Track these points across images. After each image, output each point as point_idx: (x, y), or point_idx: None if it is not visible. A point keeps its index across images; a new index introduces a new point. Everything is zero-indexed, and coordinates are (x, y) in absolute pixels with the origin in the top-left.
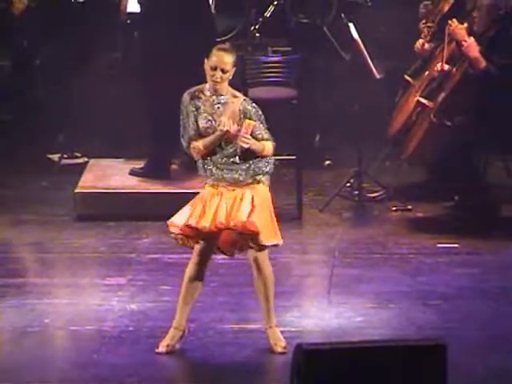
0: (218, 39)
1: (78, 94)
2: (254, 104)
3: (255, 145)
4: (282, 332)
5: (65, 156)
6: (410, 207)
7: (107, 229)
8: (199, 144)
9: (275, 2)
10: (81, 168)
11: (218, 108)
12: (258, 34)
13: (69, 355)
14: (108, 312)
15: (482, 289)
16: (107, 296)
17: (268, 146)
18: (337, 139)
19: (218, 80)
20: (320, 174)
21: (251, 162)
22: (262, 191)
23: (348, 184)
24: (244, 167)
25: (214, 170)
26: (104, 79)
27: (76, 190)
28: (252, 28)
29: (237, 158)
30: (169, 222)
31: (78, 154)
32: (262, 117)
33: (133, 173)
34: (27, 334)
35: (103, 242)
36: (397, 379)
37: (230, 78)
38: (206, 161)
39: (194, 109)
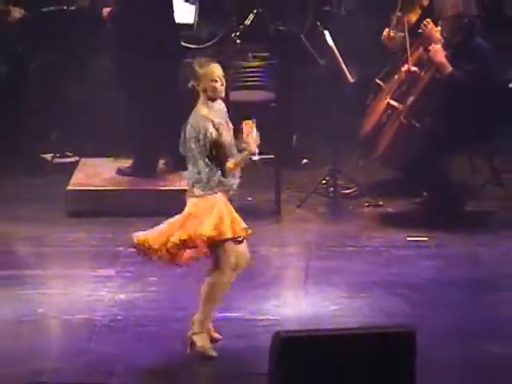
0: (202, 46)
1: (69, 98)
2: None
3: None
4: (261, 320)
5: (57, 155)
6: (381, 203)
7: (97, 224)
8: (231, 165)
9: (255, 11)
10: (72, 167)
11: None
12: (238, 41)
13: (62, 342)
14: (98, 302)
15: (448, 279)
16: (97, 287)
17: None
18: (313, 140)
19: (222, 89)
20: (297, 172)
21: None
22: None
23: (323, 182)
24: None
25: (232, 180)
26: (94, 83)
27: (68, 188)
28: (233, 35)
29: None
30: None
31: (70, 154)
32: None
33: (120, 172)
34: (22, 322)
35: (93, 236)
36: (369, 364)
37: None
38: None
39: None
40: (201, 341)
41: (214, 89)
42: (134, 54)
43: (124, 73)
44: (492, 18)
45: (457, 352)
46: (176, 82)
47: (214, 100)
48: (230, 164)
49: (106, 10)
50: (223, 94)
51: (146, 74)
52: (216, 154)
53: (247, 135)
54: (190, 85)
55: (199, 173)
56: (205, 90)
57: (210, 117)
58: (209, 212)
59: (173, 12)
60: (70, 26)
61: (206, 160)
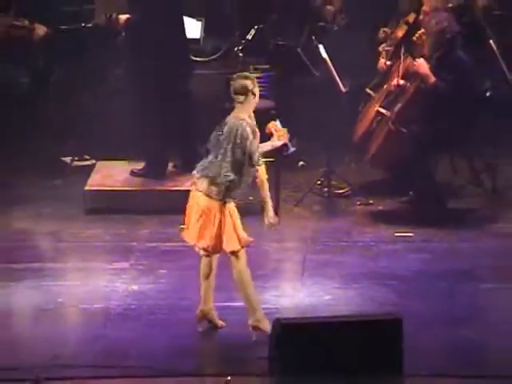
0: (207, 59)
1: (86, 107)
2: None
3: None
4: (262, 309)
5: (76, 159)
6: (371, 202)
7: (112, 221)
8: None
9: (256, 27)
10: (89, 169)
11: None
12: (241, 54)
13: (79, 329)
14: (113, 292)
15: (433, 271)
16: (112, 278)
17: None
18: (309, 144)
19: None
20: (295, 174)
21: None
22: None
23: (318, 182)
24: None
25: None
26: (108, 94)
27: (85, 188)
28: (236, 49)
29: None
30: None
31: (87, 157)
32: None
33: (133, 173)
34: (44, 311)
35: (109, 232)
36: (360, 348)
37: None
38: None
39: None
40: (266, 326)
41: (255, 102)
42: (146, 62)
43: (136, 79)
44: (471, 35)
45: (440, 338)
46: (186, 90)
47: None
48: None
49: (122, 18)
50: None
51: (158, 81)
52: (243, 157)
53: (276, 131)
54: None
55: (223, 173)
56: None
57: (249, 123)
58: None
59: (184, 25)
60: (87, 42)
61: (232, 161)
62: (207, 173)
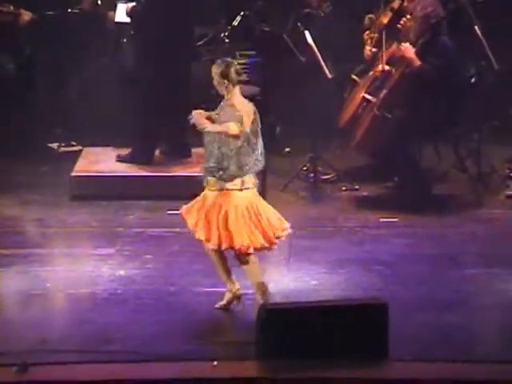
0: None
1: (72, 92)
2: None
3: None
4: (247, 294)
5: (62, 145)
6: (357, 187)
7: (98, 207)
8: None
9: (242, 13)
10: (76, 155)
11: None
12: (227, 40)
13: (67, 314)
14: (99, 277)
15: (416, 256)
16: (98, 264)
17: None
18: (294, 130)
19: None
20: (281, 160)
21: None
22: None
23: (304, 168)
24: None
25: None
26: (95, 80)
27: (72, 174)
28: (222, 35)
29: None
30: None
31: (74, 143)
32: None
33: (120, 159)
34: (32, 296)
35: (95, 218)
36: (346, 332)
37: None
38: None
39: None
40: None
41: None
42: (151, 48)
43: (140, 64)
44: (456, 21)
45: (423, 321)
46: (188, 77)
47: None
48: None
49: (129, 6)
50: None
51: (159, 66)
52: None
53: None
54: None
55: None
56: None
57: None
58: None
59: (189, 13)
60: (73, 28)
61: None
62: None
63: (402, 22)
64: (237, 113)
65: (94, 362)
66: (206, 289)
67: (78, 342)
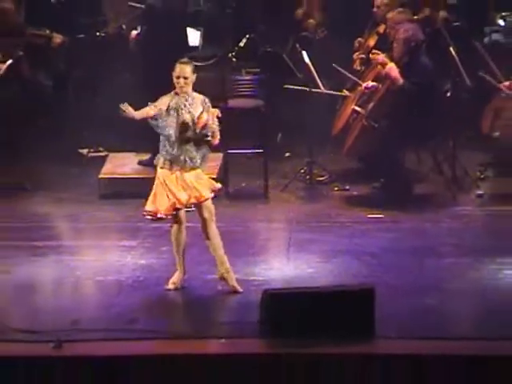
0: (205, 63)
1: (100, 104)
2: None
3: None
4: (252, 280)
5: (91, 150)
6: (347, 187)
7: (123, 205)
8: None
9: (247, 36)
10: (103, 160)
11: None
12: (234, 60)
13: (95, 298)
14: (124, 266)
15: (400, 248)
16: (123, 254)
17: None
18: (293, 137)
19: (183, 85)
20: (281, 163)
21: None
22: None
23: (302, 171)
24: None
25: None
26: (119, 93)
27: (99, 176)
28: (230, 55)
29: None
30: None
31: (101, 149)
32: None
33: (141, 163)
34: (64, 283)
35: (120, 214)
36: (338, 314)
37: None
38: None
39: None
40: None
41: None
42: (154, 66)
43: (147, 80)
44: (434, 43)
45: (407, 305)
46: None
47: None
48: None
49: (133, 33)
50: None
51: (164, 81)
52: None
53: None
54: None
55: None
56: None
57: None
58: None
59: (186, 36)
60: (100, 48)
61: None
62: None
63: (374, 53)
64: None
65: (119, 340)
66: (214, 276)
67: (106, 322)
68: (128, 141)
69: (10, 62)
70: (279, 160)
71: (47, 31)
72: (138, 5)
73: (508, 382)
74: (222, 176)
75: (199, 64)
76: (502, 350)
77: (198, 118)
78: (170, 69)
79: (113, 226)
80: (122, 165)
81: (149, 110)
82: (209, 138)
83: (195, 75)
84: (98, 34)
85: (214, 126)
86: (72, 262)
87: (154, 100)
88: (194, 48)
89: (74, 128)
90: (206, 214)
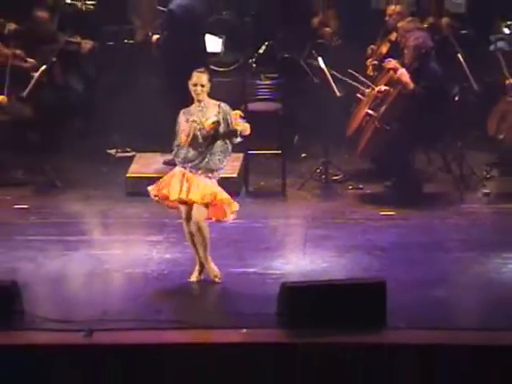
0: (227, 69)
1: (128, 107)
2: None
3: None
4: (270, 274)
5: (119, 151)
6: (361, 186)
7: (149, 202)
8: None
9: (266, 43)
10: (130, 159)
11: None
12: (254, 65)
13: (123, 290)
14: (150, 260)
15: (410, 243)
16: (149, 249)
17: None
18: (310, 139)
19: (199, 92)
20: (298, 163)
21: None
22: None
23: (318, 170)
24: None
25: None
26: (145, 97)
27: (127, 175)
28: (250, 61)
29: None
30: None
31: (128, 150)
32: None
33: (166, 163)
34: (94, 275)
35: (146, 210)
36: (351, 305)
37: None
38: None
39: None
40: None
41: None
42: (174, 70)
43: (170, 84)
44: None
45: (416, 297)
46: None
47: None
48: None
49: (155, 37)
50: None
51: (183, 85)
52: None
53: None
54: None
55: None
56: None
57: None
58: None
59: (204, 41)
60: (128, 54)
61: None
62: None
63: (387, 61)
64: None
65: (145, 329)
66: (235, 269)
67: (133, 312)
68: (154, 141)
69: (44, 67)
70: (296, 160)
71: (78, 38)
72: (163, 8)
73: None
74: (243, 175)
75: (221, 69)
76: (506, 340)
77: (209, 123)
78: (188, 73)
79: (139, 221)
80: (148, 164)
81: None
82: (237, 139)
83: (210, 84)
84: (125, 41)
85: (239, 125)
86: (101, 255)
87: (176, 103)
88: (216, 54)
89: (102, 129)
90: (195, 216)
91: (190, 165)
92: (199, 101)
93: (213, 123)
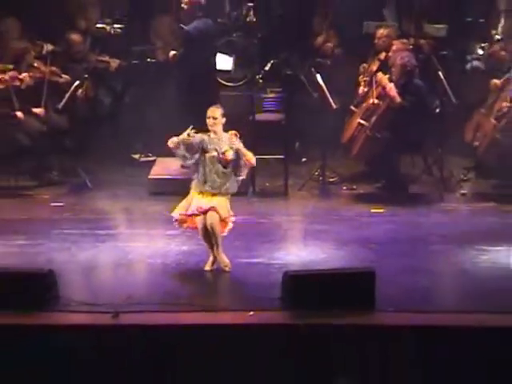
0: (236, 84)
1: (150, 117)
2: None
3: None
4: (274, 264)
5: (142, 155)
6: (354, 187)
7: (168, 200)
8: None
9: (271, 61)
10: (151, 163)
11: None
12: (261, 81)
13: (145, 278)
14: (169, 252)
15: (398, 238)
16: (168, 241)
17: None
18: (309, 145)
19: (212, 124)
20: (299, 167)
21: None
22: None
23: (316, 173)
24: None
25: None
26: (165, 109)
27: (149, 177)
28: (257, 77)
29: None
30: None
31: (150, 155)
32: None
33: (183, 166)
34: (119, 265)
35: (166, 207)
36: (346, 291)
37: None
38: None
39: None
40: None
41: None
42: (190, 84)
43: (184, 96)
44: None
45: (403, 284)
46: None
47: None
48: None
49: (172, 53)
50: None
51: (198, 96)
52: None
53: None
54: None
55: None
56: None
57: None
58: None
59: (215, 59)
60: (151, 71)
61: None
62: None
63: (378, 75)
64: None
65: (165, 312)
66: (243, 259)
67: (154, 296)
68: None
69: (77, 82)
70: (297, 164)
71: (107, 58)
72: (184, 27)
73: (484, 352)
74: (250, 177)
75: (231, 84)
76: (480, 320)
77: (224, 153)
78: (200, 86)
79: (160, 217)
80: (168, 167)
81: (185, 136)
82: (242, 175)
83: (224, 119)
84: (148, 59)
85: (247, 155)
86: (126, 247)
87: (190, 115)
88: (228, 71)
89: (127, 137)
90: (210, 219)
91: (210, 190)
92: (214, 131)
93: (230, 152)
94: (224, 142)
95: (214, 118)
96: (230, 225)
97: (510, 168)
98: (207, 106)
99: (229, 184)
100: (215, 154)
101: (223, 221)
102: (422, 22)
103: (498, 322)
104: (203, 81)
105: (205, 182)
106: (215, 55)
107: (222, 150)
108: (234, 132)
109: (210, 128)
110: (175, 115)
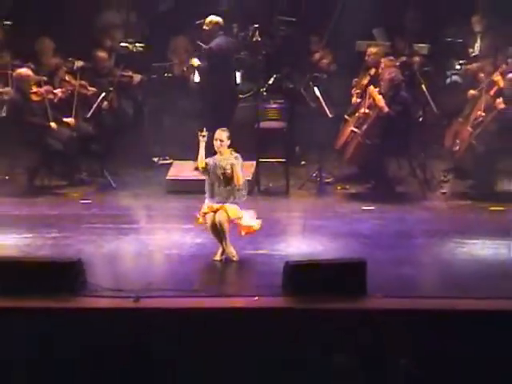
0: (243, 96)
1: (168, 126)
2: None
3: None
4: (276, 255)
5: (160, 159)
6: (347, 187)
7: (184, 198)
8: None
9: (275, 76)
10: (169, 166)
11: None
12: (265, 93)
13: (163, 266)
14: (184, 244)
15: (387, 232)
16: (183, 235)
17: None
18: (308, 150)
19: (219, 146)
20: (299, 169)
21: None
22: None
23: (314, 174)
24: None
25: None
26: (183, 116)
27: (167, 178)
28: (261, 90)
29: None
30: None
31: (168, 158)
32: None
33: (197, 169)
34: (140, 255)
35: (182, 205)
36: (341, 279)
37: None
38: None
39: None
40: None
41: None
42: (211, 96)
43: (206, 106)
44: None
45: (391, 273)
46: (233, 112)
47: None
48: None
49: (195, 61)
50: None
51: (217, 110)
52: None
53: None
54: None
55: None
56: None
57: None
58: None
59: (235, 73)
60: (169, 85)
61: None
62: None
63: (370, 88)
64: None
65: (181, 297)
66: (248, 251)
67: (171, 283)
68: (188, 152)
69: (103, 94)
70: (297, 166)
71: (130, 73)
72: (204, 45)
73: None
74: (255, 178)
75: (240, 96)
76: (458, 305)
77: (231, 171)
78: (221, 100)
79: (176, 214)
80: (183, 169)
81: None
82: (244, 195)
83: (229, 141)
84: (165, 74)
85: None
86: (146, 239)
87: (211, 124)
88: (237, 85)
89: (148, 142)
90: (219, 217)
91: (220, 200)
92: (220, 152)
93: (232, 166)
94: (227, 160)
95: (221, 141)
96: (257, 226)
97: (484, 170)
98: (231, 114)
99: (236, 195)
100: (221, 172)
101: (233, 222)
102: (412, 41)
103: (473, 306)
104: (227, 92)
105: (213, 197)
106: (235, 72)
107: (226, 169)
108: (232, 150)
109: (216, 149)
110: (190, 123)
